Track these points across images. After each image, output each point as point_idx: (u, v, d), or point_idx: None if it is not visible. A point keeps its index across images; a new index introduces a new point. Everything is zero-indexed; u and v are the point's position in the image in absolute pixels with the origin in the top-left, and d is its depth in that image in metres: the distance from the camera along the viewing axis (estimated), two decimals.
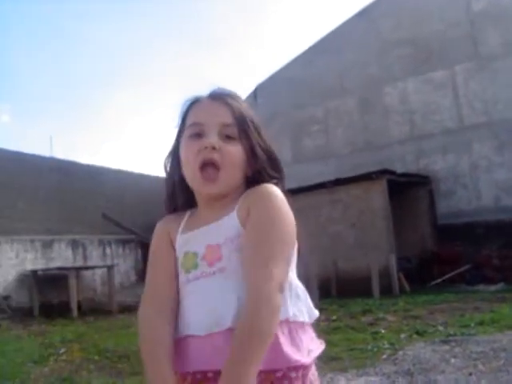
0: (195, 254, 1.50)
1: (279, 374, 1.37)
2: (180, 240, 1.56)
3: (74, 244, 13.67)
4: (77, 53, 49.47)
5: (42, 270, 12.41)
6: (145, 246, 14.99)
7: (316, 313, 1.53)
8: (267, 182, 1.54)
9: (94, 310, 11.98)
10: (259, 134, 1.60)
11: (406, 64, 15.55)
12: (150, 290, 1.58)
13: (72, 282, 11.59)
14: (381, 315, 8.39)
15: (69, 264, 13.04)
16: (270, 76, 18.56)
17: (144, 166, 35.35)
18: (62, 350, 7.31)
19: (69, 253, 13.52)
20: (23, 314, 11.41)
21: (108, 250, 14.54)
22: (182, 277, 1.51)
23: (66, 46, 47.39)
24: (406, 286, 11.91)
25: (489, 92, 14.19)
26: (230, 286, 1.41)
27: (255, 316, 1.31)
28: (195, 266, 1.48)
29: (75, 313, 11.28)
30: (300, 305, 1.48)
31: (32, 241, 13.03)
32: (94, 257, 14.13)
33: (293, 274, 1.51)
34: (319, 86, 16.60)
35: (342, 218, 12.70)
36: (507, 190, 13.64)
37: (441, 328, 6.95)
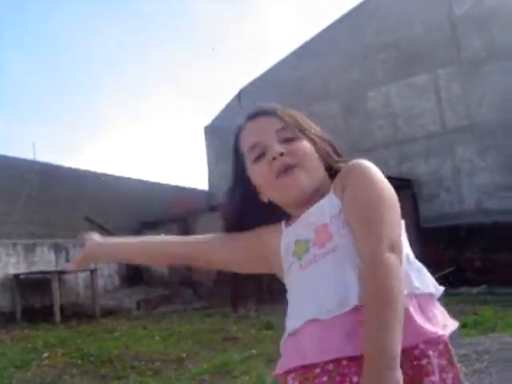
0: (306, 241, 1.46)
1: (417, 352, 1.31)
2: (286, 234, 1.55)
3: (57, 247, 13.56)
4: (60, 55, 49.20)
5: (25, 274, 12.31)
6: None
7: (441, 287, 1.53)
8: (335, 167, 1.58)
9: (76, 314, 11.90)
10: (310, 126, 1.63)
11: (388, 68, 15.63)
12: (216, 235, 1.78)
13: (55, 285, 11.50)
14: None
15: (51, 268, 12.94)
16: (254, 79, 18.57)
17: (127, 169, 35.23)
18: (45, 355, 7.26)
19: (51, 256, 13.41)
20: (5, 319, 11.30)
21: None
22: (296, 265, 1.47)
23: (51, 48, 47.09)
24: None
25: (471, 96, 14.29)
26: (346, 263, 1.37)
27: (374, 280, 1.27)
28: (307, 251, 1.44)
29: (58, 317, 11.19)
30: (423, 278, 1.47)
31: (14, 244, 12.91)
32: None
33: (407, 248, 1.52)
34: (303, 90, 16.63)
35: None
36: (490, 194, 13.74)
37: None
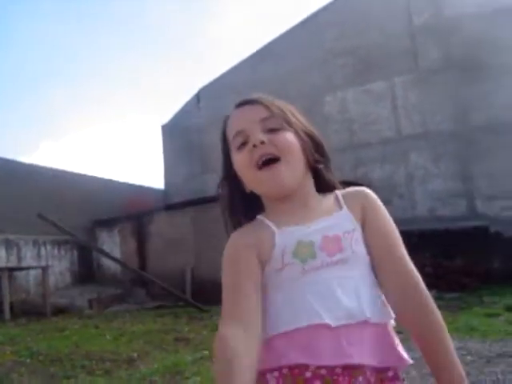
0: (311, 243, 1.40)
1: (391, 374, 1.37)
2: (282, 233, 1.44)
3: (8, 244, 13.35)
4: (13, 49, 48.45)
5: None
6: (81, 248, 14.78)
7: None
8: (314, 166, 1.55)
9: (27, 311, 11.71)
10: (297, 118, 1.60)
11: (346, 74, 15.79)
12: (234, 303, 1.39)
13: (4, 282, 11.30)
14: None
15: (2, 264, 12.70)
16: (213, 80, 18.55)
17: (83, 167, 34.82)
18: None
19: (2, 253, 13.18)
20: None
21: (43, 251, 14.25)
22: (294, 268, 1.39)
23: (4, 44, 46.33)
24: None
25: (427, 104, 14.52)
26: (358, 278, 1.39)
27: (426, 300, 1.46)
28: (313, 255, 1.39)
29: (8, 315, 11.00)
30: None
31: None
32: (29, 257, 13.83)
33: None
34: (262, 92, 16.64)
35: None
36: (442, 201, 13.98)
37: None
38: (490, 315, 7.87)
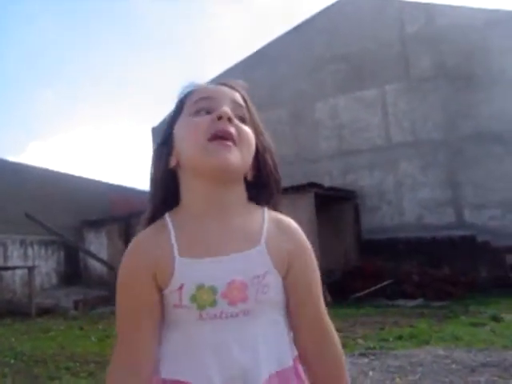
0: (213, 289, 1.24)
1: None
2: (182, 265, 1.26)
3: None
4: (1, 49, 48.29)
5: None
6: (68, 248, 14.72)
7: None
8: (271, 185, 1.40)
9: (12, 312, 11.64)
10: (262, 130, 1.45)
11: (337, 81, 15.84)
12: (126, 345, 1.30)
13: None
14: None
15: None
16: (204, 83, 18.53)
17: (71, 167, 34.72)
18: None
19: None
20: None
21: (30, 251, 14.19)
22: (191, 312, 1.25)
23: None
24: (329, 299, 12.06)
25: (417, 112, 14.59)
26: (255, 330, 1.26)
27: (336, 348, 1.34)
28: (213, 304, 1.24)
29: None
30: None
31: None
32: (15, 257, 13.76)
33: None
34: (252, 97, 16.64)
35: None
36: (430, 209, 14.04)
37: (360, 341, 7.06)
38: (475, 324, 7.90)
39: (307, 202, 12.70)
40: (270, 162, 1.41)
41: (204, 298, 1.24)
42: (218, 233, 1.29)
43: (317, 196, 12.84)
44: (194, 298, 1.24)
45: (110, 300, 13.27)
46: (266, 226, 1.33)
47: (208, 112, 1.30)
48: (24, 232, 13.93)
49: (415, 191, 14.38)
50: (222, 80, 1.44)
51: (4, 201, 13.79)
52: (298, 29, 16.73)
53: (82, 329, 9.20)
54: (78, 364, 6.26)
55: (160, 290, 1.28)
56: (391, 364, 5.57)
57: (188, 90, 1.41)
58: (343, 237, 14.41)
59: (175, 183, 1.37)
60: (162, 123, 19.58)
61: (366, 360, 5.87)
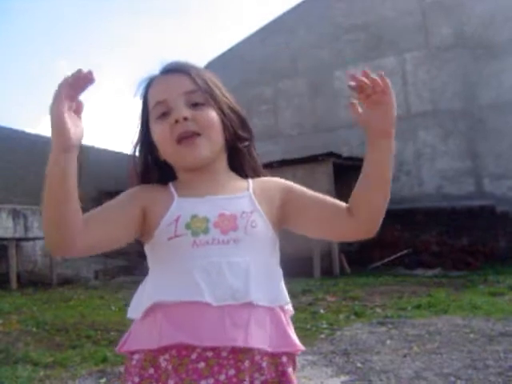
0: (206, 219, 1.37)
1: (284, 359, 1.35)
2: (180, 202, 1.42)
3: (15, 214, 13.39)
4: (16, 22, 48.28)
5: None
6: None
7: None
8: (239, 143, 1.52)
9: (33, 282, 11.80)
10: (223, 94, 1.53)
11: (356, 49, 15.67)
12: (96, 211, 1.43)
13: (11, 252, 11.38)
14: (320, 296, 8.52)
15: (9, 234, 12.78)
16: (221, 53, 18.44)
17: (89, 138, 34.79)
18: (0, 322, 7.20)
19: (9, 223, 13.24)
20: None
21: None
22: (185, 239, 1.35)
23: (9, 15, 46.18)
24: (347, 268, 12.10)
25: (437, 82, 14.44)
26: (248, 259, 1.35)
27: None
28: (206, 231, 1.36)
29: (14, 284, 11.10)
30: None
31: None
32: (36, 228, 13.88)
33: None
34: (271, 66, 16.62)
35: None
36: (450, 179, 13.95)
37: (378, 310, 7.09)
38: (493, 294, 7.90)
39: (325, 171, 12.69)
40: (232, 116, 1.51)
41: (198, 226, 1.36)
42: (211, 186, 1.45)
43: (335, 166, 12.81)
44: (188, 226, 1.36)
45: (129, 270, 13.40)
46: (251, 183, 1.50)
47: (166, 113, 1.43)
48: None
49: (434, 161, 14.28)
50: (169, 65, 1.52)
51: (23, 172, 13.88)
52: None
53: (102, 298, 9.31)
54: (98, 332, 6.34)
55: (143, 228, 1.43)
56: (409, 333, 5.60)
57: (144, 83, 1.53)
58: None
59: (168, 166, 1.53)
60: None
61: (384, 329, 5.90)
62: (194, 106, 1.43)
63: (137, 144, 1.56)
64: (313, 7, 16.35)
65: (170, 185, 1.49)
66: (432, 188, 14.22)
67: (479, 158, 13.73)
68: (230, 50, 18.13)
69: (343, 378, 4.20)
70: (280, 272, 1.46)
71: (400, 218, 13.75)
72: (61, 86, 1.21)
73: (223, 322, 1.28)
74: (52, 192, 1.31)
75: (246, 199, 1.43)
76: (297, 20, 16.52)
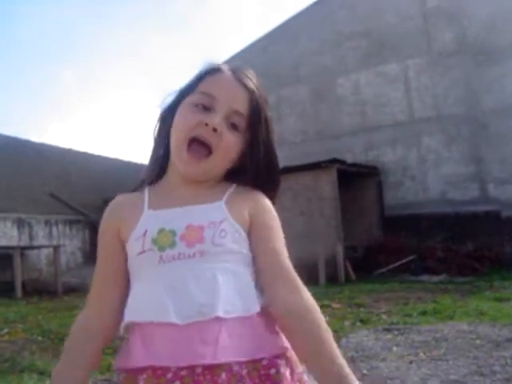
0: (172, 232, 1.34)
1: (265, 362, 1.30)
2: (148, 216, 1.40)
3: (20, 223, 13.42)
4: (21, 29, 48.44)
5: None
6: (92, 227, 14.84)
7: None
8: (265, 186, 1.47)
9: (38, 290, 11.79)
10: (268, 134, 1.47)
11: (359, 56, 15.70)
12: (95, 284, 1.47)
13: (17, 261, 11.38)
14: (326, 302, 8.49)
15: (14, 243, 12.80)
16: (225, 60, 18.43)
17: (92, 147, 34.90)
18: (5, 331, 7.19)
19: (14, 232, 13.27)
20: None
21: (55, 230, 14.32)
22: (153, 255, 1.33)
23: (13, 22, 46.32)
24: (352, 275, 12.07)
25: (439, 87, 14.43)
26: (214, 272, 1.31)
27: (303, 293, 1.32)
28: (172, 245, 1.33)
29: (19, 293, 11.10)
30: None
31: None
32: (40, 236, 13.91)
33: None
34: (273, 73, 16.63)
35: (291, 206, 12.75)
36: (454, 184, 13.93)
37: (384, 316, 7.07)
38: (499, 300, 7.87)
39: (330, 178, 12.68)
40: (253, 170, 1.46)
41: (164, 240, 1.34)
42: (185, 194, 1.42)
43: (339, 172, 12.80)
44: (155, 241, 1.34)
45: None
46: (230, 191, 1.44)
47: (206, 108, 1.39)
48: (49, 211, 14.07)
49: (438, 166, 14.27)
50: (242, 72, 1.47)
51: (29, 181, 13.92)
52: (318, 4, 16.53)
53: None
54: None
55: (123, 243, 1.41)
56: (415, 339, 5.58)
57: (209, 68, 1.47)
58: (366, 213, 14.39)
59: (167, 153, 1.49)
60: None
61: (389, 335, 5.88)
62: (230, 125, 1.40)
63: (164, 113, 1.51)
64: (315, 14, 16.37)
65: (146, 191, 1.48)
66: (436, 193, 14.20)
67: (483, 163, 13.71)
68: (233, 58, 18.14)
69: None
70: (250, 279, 1.38)
71: (405, 223, 13.75)
72: None
73: (192, 340, 1.26)
74: None
75: (216, 208, 1.39)
76: (299, 27, 16.55)
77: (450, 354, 4.90)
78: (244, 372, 1.27)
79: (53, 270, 12.53)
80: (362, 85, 15.69)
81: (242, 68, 1.48)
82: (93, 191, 15.34)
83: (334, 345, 1.27)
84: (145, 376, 1.27)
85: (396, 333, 5.96)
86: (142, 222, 1.38)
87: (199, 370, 1.25)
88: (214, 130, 1.36)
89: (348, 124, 15.50)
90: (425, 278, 11.35)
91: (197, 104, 1.40)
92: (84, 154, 16.71)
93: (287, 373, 1.32)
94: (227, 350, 1.26)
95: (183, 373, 1.25)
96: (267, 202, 1.47)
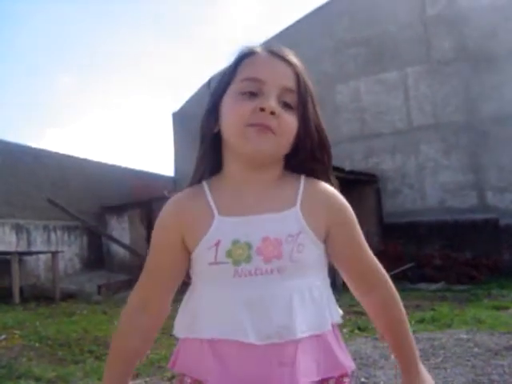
0: (248, 245, 1.28)
1: (332, 382, 1.31)
2: (220, 223, 1.31)
3: (18, 228, 13.41)
4: (19, 35, 48.46)
5: None
6: (90, 233, 14.84)
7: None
8: (311, 164, 1.43)
9: (36, 296, 11.76)
10: (315, 108, 1.46)
11: (359, 63, 15.71)
12: (148, 273, 1.44)
13: (14, 267, 11.35)
14: None
15: (12, 249, 12.78)
16: (225, 68, 18.47)
17: (90, 153, 34.89)
18: (2, 337, 7.17)
19: (12, 237, 13.25)
20: None
21: (53, 236, 14.31)
22: (227, 268, 1.28)
23: (7, 27, 46.29)
24: None
25: (438, 95, 14.45)
26: (289, 289, 1.28)
27: (391, 287, 1.44)
28: (248, 259, 1.27)
29: (17, 299, 11.06)
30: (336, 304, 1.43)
31: None
32: (39, 242, 13.89)
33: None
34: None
35: None
36: (452, 192, 13.93)
37: None
38: (498, 308, 7.87)
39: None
40: (308, 146, 1.42)
41: (239, 253, 1.28)
42: (254, 197, 1.34)
43: (338, 180, 12.77)
44: (229, 254, 1.28)
45: (132, 284, 13.36)
46: (301, 190, 1.37)
47: (254, 94, 1.32)
48: (47, 217, 14.05)
49: (437, 174, 14.27)
50: (278, 49, 1.45)
51: (26, 187, 13.91)
52: (317, 12, 16.57)
53: (105, 313, 9.29)
54: (101, 347, 6.32)
55: (188, 251, 1.37)
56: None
57: (244, 52, 1.43)
58: (365, 220, 14.29)
59: (220, 150, 1.43)
60: (182, 108, 19.62)
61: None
62: (284, 105, 1.34)
63: (206, 115, 1.46)
64: (314, 22, 16.40)
65: (206, 188, 1.39)
66: (435, 201, 14.19)
67: (482, 171, 13.72)
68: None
69: None
70: (328, 290, 1.41)
71: (403, 231, 13.74)
72: None
73: (269, 361, 1.23)
74: None
75: (293, 218, 1.32)
76: (298, 34, 16.56)
77: (448, 362, 4.89)
78: None
79: (51, 276, 12.50)
80: (362, 92, 15.70)
81: (276, 46, 1.46)
82: (91, 197, 15.35)
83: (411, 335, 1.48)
84: None
85: None
86: (214, 231, 1.31)
87: None
88: (272, 113, 1.30)
89: (347, 131, 15.49)
90: (423, 285, 11.33)
91: (243, 92, 1.34)
92: (82, 159, 16.68)
93: None
94: (303, 370, 1.25)
95: None
96: (341, 199, 1.45)
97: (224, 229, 1.30)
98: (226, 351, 1.26)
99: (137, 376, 5.05)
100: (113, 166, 17.71)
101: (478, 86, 13.82)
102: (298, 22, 16.95)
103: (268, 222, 1.30)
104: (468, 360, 4.93)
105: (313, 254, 1.34)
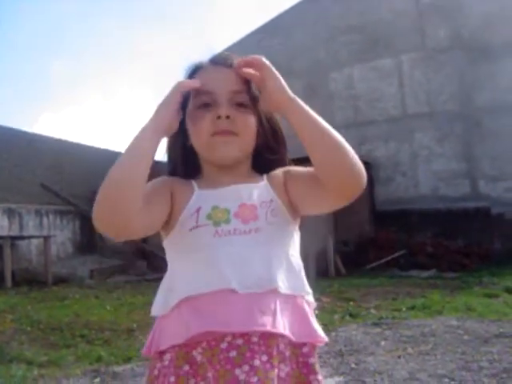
0: (227, 210, 1.40)
1: (305, 350, 1.38)
2: (200, 194, 1.44)
3: (11, 213, 13.35)
4: (14, 21, 48.17)
5: None
6: (83, 218, 14.81)
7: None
8: (268, 156, 1.55)
9: (28, 280, 11.74)
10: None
11: (353, 51, 15.68)
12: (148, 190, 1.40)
13: (6, 251, 11.32)
14: (315, 296, 8.49)
15: (4, 233, 12.73)
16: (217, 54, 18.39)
17: (84, 138, 34.80)
18: None
19: (4, 222, 13.19)
20: None
21: (45, 221, 14.25)
22: (208, 229, 1.38)
23: (2, 12, 46.01)
24: (342, 269, 12.10)
25: (433, 83, 14.45)
26: (270, 249, 1.38)
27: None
28: (227, 221, 1.38)
29: (9, 283, 11.05)
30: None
31: None
32: (31, 227, 13.84)
33: (298, 248, 1.51)
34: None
35: None
36: (445, 181, 13.97)
37: (373, 311, 7.11)
38: (488, 296, 7.92)
39: None
40: (267, 126, 1.54)
41: (219, 216, 1.39)
42: (232, 182, 1.45)
43: None
44: (209, 216, 1.39)
45: (125, 269, 13.40)
46: (265, 177, 1.51)
47: (209, 104, 1.43)
48: (39, 202, 14.01)
49: (430, 163, 14.30)
50: (220, 57, 1.56)
51: (19, 171, 13.86)
52: None
53: (97, 297, 9.30)
54: (93, 332, 6.34)
55: (172, 209, 1.44)
56: (403, 334, 5.61)
57: (191, 69, 1.53)
58: (357, 208, 14.36)
59: (195, 157, 1.54)
60: None
61: (378, 329, 5.91)
62: (238, 105, 1.44)
63: (175, 134, 1.50)
64: (309, 9, 16.33)
65: (192, 180, 1.51)
66: (428, 189, 14.24)
67: (475, 159, 13.76)
68: (226, 51, 18.10)
69: (337, 378, 4.20)
70: (300, 263, 1.46)
71: (395, 219, 13.79)
72: (182, 84, 1.38)
73: (251, 308, 1.30)
74: (134, 159, 1.37)
75: (264, 188, 1.46)
76: (293, 21, 16.51)
77: (438, 348, 4.93)
78: (287, 353, 1.34)
79: (43, 261, 12.47)
80: (356, 79, 15.69)
81: (218, 54, 1.58)
82: (83, 182, 15.29)
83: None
84: (200, 349, 1.32)
85: (385, 327, 6.00)
86: (195, 200, 1.43)
87: (255, 339, 1.30)
88: (227, 117, 1.41)
89: (341, 119, 15.47)
90: (414, 273, 11.38)
91: (199, 106, 1.44)
92: (75, 144, 16.61)
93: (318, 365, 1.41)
94: (282, 323, 1.32)
95: (239, 341, 1.29)
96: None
97: (204, 198, 1.43)
98: (207, 305, 1.31)
99: (128, 360, 5.07)
100: (106, 151, 17.64)
101: (473, 75, 13.83)
102: (292, 8, 16.87)
103: (243, 191, 1.43)
104: (458, 347, 4.97)
105: (286, 221, 1.45)
